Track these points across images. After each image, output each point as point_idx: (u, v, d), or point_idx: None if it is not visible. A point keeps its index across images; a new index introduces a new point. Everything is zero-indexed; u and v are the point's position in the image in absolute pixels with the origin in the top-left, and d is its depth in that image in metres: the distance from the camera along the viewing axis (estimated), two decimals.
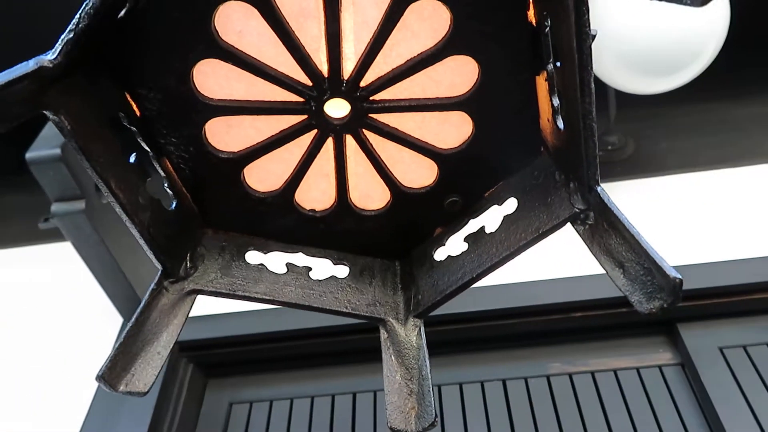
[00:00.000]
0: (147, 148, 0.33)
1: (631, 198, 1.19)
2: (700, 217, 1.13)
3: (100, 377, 0.31)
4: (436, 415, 0.33)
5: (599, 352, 1.05)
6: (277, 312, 1.06)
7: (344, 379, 1.07)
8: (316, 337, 1.06)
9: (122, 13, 0.28)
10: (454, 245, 0.37)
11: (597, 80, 1.14)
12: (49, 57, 0.26)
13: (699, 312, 1.02)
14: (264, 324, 1.06)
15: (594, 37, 0.45)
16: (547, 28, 0.29)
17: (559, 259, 0.98)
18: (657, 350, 1.04)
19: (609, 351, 1.05)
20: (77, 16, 0.26)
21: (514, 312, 1.04)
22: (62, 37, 0.26)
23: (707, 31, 1.05)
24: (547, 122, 0.32)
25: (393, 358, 0.35)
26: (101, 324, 1.11)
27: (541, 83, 0.32)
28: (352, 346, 1.06)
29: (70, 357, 1.09)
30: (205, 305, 1.10)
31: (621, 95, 1.21)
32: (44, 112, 0.27)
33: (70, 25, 0.26)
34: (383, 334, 0.37)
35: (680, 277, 0.27)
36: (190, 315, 0.36)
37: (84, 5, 0.26)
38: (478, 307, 1.04)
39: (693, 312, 1.02)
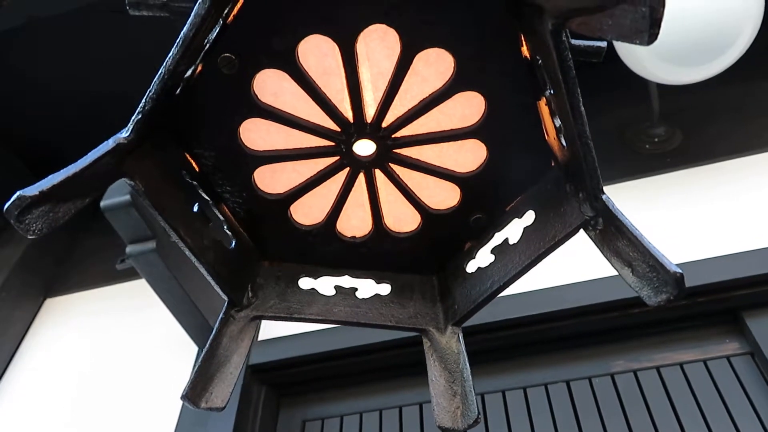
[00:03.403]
0: (207, 198, 0.39)
1: (684, 188, 1.17)
2: (756, 201, 1.10)
3: (184, 396, 0.36)
4: (478, 413, 0.36)
5: (663, 347, 1.03)
6: (341, 330, 1.09)
7: (411, 390, 1.09)
8: (381, 351, 1.09)
9: (178, 90, 0.34)
10: (483, 257, 0.40)
11: (636, 76, 1.15)
12: (124, 135, 0.32)
13: (764, 298, 1.00)
14: (330, 342, 1.10)
15: (604, 51, 0.48)
16: (540, 61, 0.32)
17: None
18: (723, 340, 1.02)
19: (673, 345, 1.03)
20: (144, 99, 0.31)
21: (574, 312, 1.04)
22: (133, 118, 0.32)
23: (742, 14, 1.04)
24: (553, 140, 0.36)
25: (436, 363, 0.39)
26: (177, 352, 1.18)
27: (543, 107, 0.35)
28: (417, 358, 1.07)
29: (150, 385, 1.16)
30: (271, 329, 1.14)
31: (663, 87, 1.20)
32: (123, 178, 0.33)
33: (138, 108, 0.32)
34: (426, 343, 0.40)
35: (680, 271, 0.29)
36: (259, 339, 0.41)
37: (148, 91, 0.31)
38: (537, 310, 1.04)
39: (757, 299, 1.00)
